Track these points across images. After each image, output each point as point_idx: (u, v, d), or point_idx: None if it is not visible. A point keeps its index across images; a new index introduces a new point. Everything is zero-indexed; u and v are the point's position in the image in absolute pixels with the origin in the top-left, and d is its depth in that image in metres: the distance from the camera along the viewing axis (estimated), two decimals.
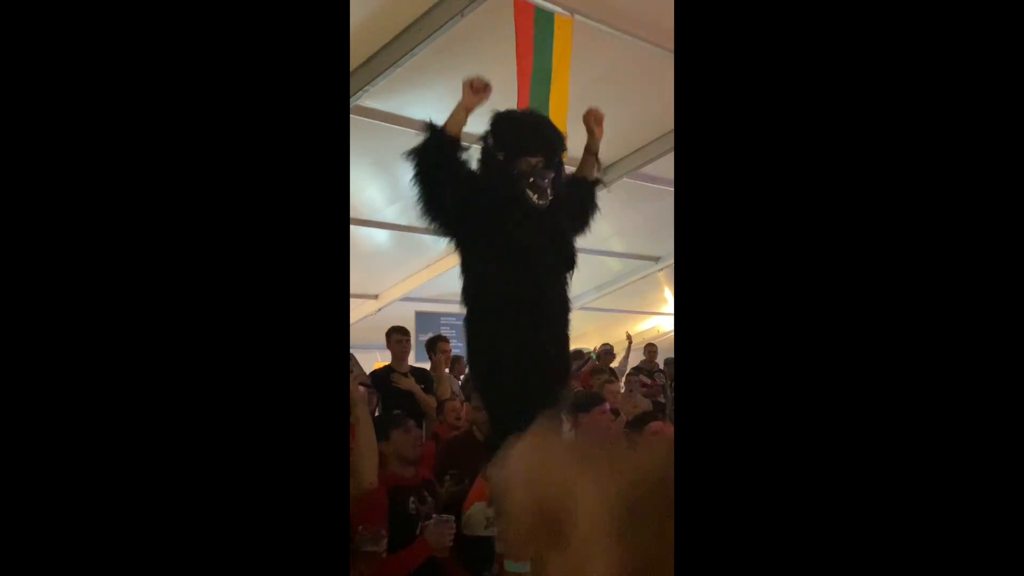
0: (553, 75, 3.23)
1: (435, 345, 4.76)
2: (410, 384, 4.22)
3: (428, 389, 4.32)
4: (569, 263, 2.26)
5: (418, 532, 2.43)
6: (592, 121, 2.34)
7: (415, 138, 4.65)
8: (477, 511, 2.65)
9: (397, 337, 4.51)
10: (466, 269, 2.22)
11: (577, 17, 3.91)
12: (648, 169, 6.44)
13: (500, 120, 2.24)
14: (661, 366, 7.62)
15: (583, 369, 5.72)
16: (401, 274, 7.91)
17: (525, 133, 2.19)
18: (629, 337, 7.80)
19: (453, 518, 2.44)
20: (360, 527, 2.17)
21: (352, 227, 6.45)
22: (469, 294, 2.19)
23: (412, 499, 2.50)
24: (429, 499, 2.61)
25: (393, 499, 2.43)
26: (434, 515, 2.47)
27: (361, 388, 2.34)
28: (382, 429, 2.53)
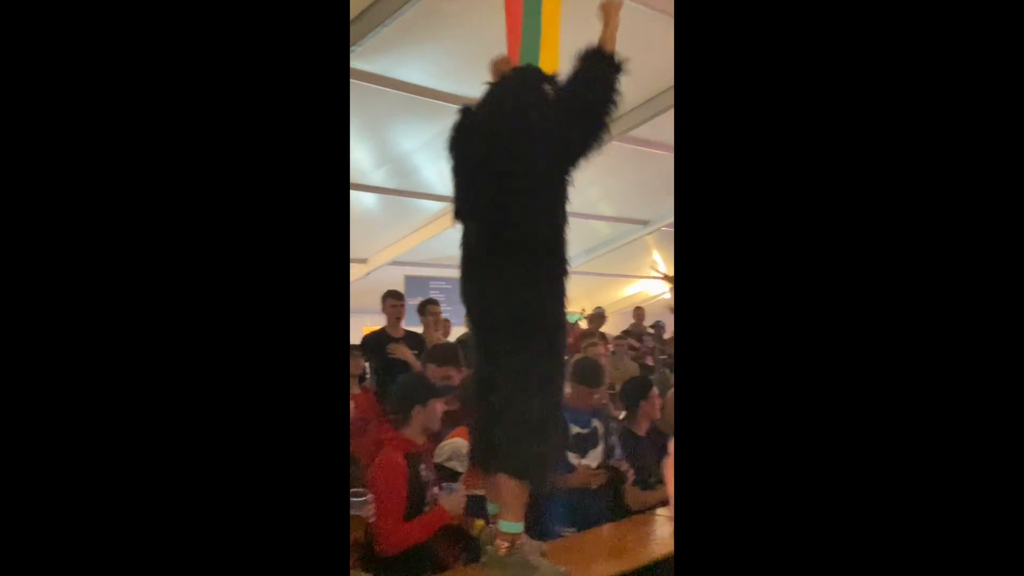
0: (543, 38, 3.18)
1: (425, 308, 4.78)
2: (404, 353, 4.24)
3: (421, 353, 4.34)
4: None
5: (427, 499, 2.47)
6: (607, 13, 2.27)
7: (405, 99, 4.52)
8: (448, 444, 2.77)
9: (392, 302, 4.51)
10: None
11: None
12: (637, 132, 6.40)
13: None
14: (649, 329, 7.67)
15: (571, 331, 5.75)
16: (389, 238, 7.87)
17: None
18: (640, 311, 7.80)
19: (463, 487, 2.50)
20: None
21: None
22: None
23: (423, 466, 2.53)
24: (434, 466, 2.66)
25: (408, 464, 2.46)
26: (444, 484, 2.51)
27: None
28: (423, 394, 2.56)
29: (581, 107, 2.12)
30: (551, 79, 2.21)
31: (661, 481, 3.25)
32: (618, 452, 3.12)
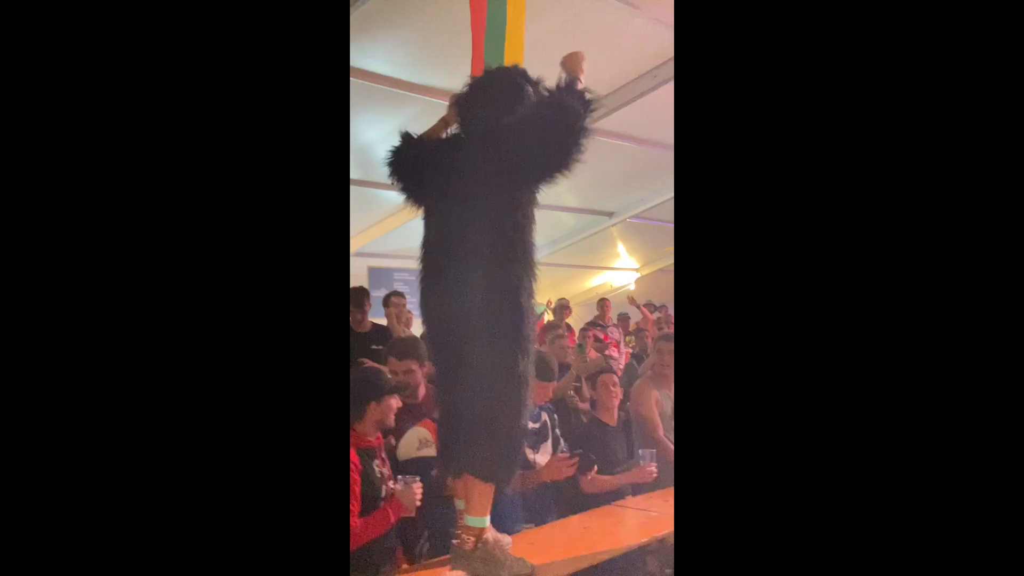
0: (507, 32, 3.16)
1: (389, 301, 4.73)
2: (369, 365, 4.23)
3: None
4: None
5: (383, 494, 2.44)
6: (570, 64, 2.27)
7: (368, 88, 4.45)
8: (411, 434, 2.71)
9: (355, 312, 4.47)
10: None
11: None
12: (602, 123, 6.41)
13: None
14: (614, 321, 7.72)
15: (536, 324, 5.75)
16: (353, 229, 7.78)
17: None
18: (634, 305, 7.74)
19: (418, 478, 2.47)
20: None
21: None
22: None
23: (376, 461, 2.50)
24: (388, 461, 2.62)
25: (361, 460, 2.43)
26: (399, 477, 2.48)
27: None
28: (377, 390, 2.53)
29: (552, 134, 2.09)
30: (534, 81, 2.20)
31: (628, 469, 3.30)
32: (563, 444, 3.15)
